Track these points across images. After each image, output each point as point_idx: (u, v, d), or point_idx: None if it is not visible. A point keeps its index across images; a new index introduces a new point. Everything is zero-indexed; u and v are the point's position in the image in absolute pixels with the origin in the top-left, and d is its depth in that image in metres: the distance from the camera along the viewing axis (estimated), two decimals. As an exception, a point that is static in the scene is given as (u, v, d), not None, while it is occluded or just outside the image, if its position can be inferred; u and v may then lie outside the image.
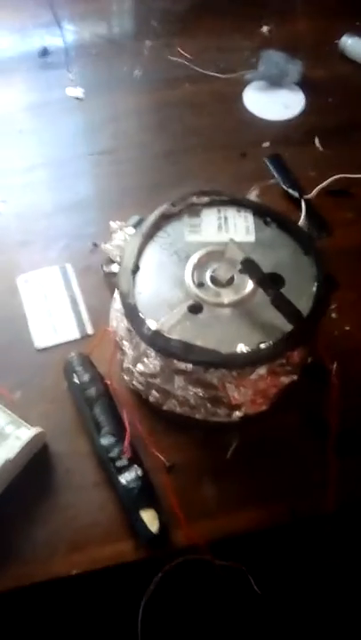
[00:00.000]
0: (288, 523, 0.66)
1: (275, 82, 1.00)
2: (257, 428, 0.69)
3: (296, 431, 0.70)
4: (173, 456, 0.68)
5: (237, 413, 0.66)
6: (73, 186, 0.90)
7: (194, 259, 0.67)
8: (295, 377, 0.66)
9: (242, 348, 0.61)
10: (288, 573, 0.68)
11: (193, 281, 0.65)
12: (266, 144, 0.94)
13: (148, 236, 0.68)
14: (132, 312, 0.63)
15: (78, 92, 0.99)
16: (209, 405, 0.65)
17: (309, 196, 0.85)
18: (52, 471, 0.68)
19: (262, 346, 0.61)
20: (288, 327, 0.62)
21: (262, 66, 1.00)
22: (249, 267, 0.61)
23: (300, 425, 0.70)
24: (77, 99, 0.99)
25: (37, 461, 0.68)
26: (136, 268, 0.66)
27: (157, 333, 0.61)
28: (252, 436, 0.69)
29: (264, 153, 0.92)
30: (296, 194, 0.84)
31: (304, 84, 1.01)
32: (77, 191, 0.90)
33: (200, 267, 0.66)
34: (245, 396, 0.65)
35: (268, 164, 0.90)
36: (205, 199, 0.70)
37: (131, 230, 0.81)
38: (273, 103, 0.98)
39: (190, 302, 0.64)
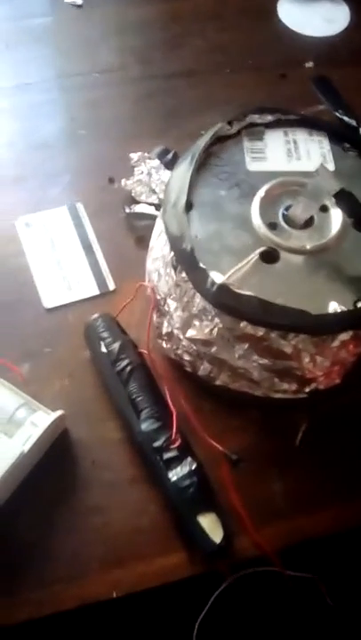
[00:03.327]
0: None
1: (314, -9, 0.84)
2: (328, 407, 0.56)
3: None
4: (229, 443, 0.53)
5: (307, 388, 0.53)
6: (74, 110, 0.74)
7: (262, 192, 0.52)
8: (378, 343, 0.53)
9: (335, 307, 0.47)
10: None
11: (262, 221, 0.51)
12: (309, 64, 0.79)
13: (200, 165, 0.53)
14: (188, 261, 0.48)
15: (78, -1, 0.82)
16: (275, 379, 0.52)
17: (368, 126, 0.70)
18: (75, 464, 0.54)
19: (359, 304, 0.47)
20: (390, 280, 0.48)
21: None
22: (347, 201, 0.47)
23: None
24: (76, 6, 0.82)
25: (56, 452, 0.54)
26: (189, 205, 0.50)
27: (225, 289, 0.47)
28: (322, 415, 0.56)
29: (307, 74, 0.77)
30: (353, 122, 0.70)
31: (349, -5, 0.86)
32: (80, 116, 0.73)
33: (270, 203, 0.52)
34: (322, 368, 0.52)
35: (314, 87, 0.75)
36: (269, 117, 0.56)
37: (155, 162, 0.66)
38: (313, 17, 0.83)
39: (263, 248, 0.49)
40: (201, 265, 0.47)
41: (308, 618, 0.56)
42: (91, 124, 0.72)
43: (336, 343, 0.50)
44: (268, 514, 0.52)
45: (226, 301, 0.47)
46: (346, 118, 0.71)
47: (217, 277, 0.47)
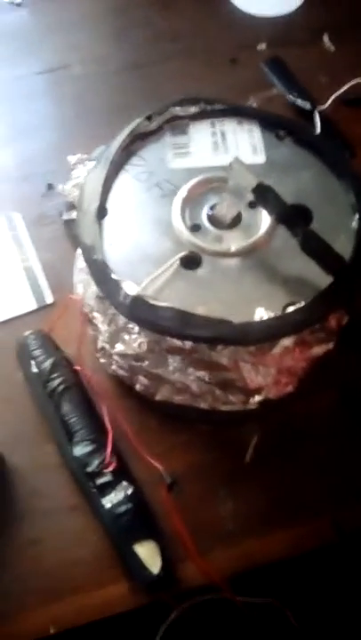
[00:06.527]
0: (332, 542, 0.49)
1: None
2: (282, 417, 0.52)
3: (334, 417, 0.53)
4: (174, 462, 0.50)
5: (256, 398, 0.49)
6: (14, 114, 0.70)
7: (183, 192, 0.48)
8: (331, 345, 0.48)
9: (262, 314, 0.43)
10: (332, 604, 0.52)
11: (185, 223, 0.47)
12: (261, 46, 0.74)
13: (117, 166, 0.49)
14: (100, 272, 0.45)
15: (15, -4, 0.78)
16: (217, 392, 0.48)
17: (323, 107, 0.66)
18: (11, 493, 0.51)
19: (291, 309, 0.43)
20: (325, 280, 0.44)
21: None
22: (265, 196, 0.43)
23: (338, 409, 0.53)
24: (14, 4, 0.78)
25: (-10, 481, 0.50)
26: (103, 211, 0.47)
27: (139, 301, 0.43)
28: (276, 427, 0.52)
29: (260, 57, 0.72)
30: (307, 105, 0.65)
31: (303, -31, 0.80)
32: (21, 120, 0.69)
33: (193, 203, 0.48)
34: (266, 377, 0.48)
35: (266, 70, 0.70)
36: (193, 109, 0.52)
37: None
38: (266, -5, 0.78)
39: (183, 253, 0.45)
40: (113, 276, 0.44)
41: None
42: (31, 128, 0.69)
43: (277, 350, 0.46)
44: (216, 538, 0.49)
45: (141, 314, 0.43)
46: (300, 101, 0.66)
47: (130, 288, 0.43)
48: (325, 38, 0.73)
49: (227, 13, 0.77)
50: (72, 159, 0.62)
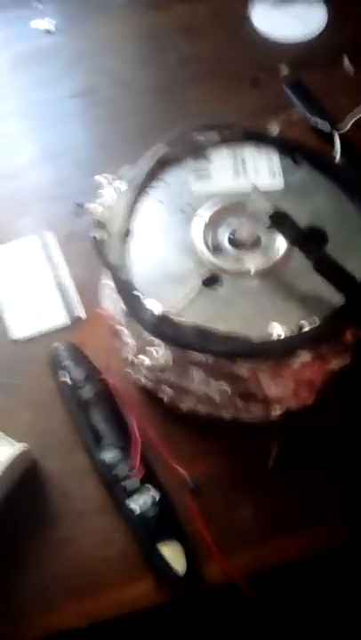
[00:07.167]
0: (347, 545, 0.51)
1: (288, -7, 0.82)
2: (302, 427, 0.55)
3: (351, 427, 0.55)
4: (198, 469, 0.53)
5: (276, 409, 0.51)
6: (46, 137, 0.74)
7: (205, 215, 0.51)
8: (347, 358, 0.51)
9: (278, 330, 0.46)
10: (352, 603, 0.54)
11: (206, 245, 0.50)
12: (283, 69, 0.76)
13: (141, 189, 0.52)
14: (126, 291, 0.48)
15: (48, 24, 0.82)
16: (239, 402, 0.51)
17: (343, 129, 0.68)
18: (43, 496, 0.54)
19: (305, 326, 0.46)
20: (338, 298, 0.46)
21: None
22: (281, 221, 0.46)
23: (355, 418, 0.56)
24: (47, 32, 0.82)
25: (25, 485, 0.54)
26: (127, 233, 0.50)
27: (164, 318, 0.46)
28: (295, 436, 0.54)
29: (282, 80, 0.75)
30: (327, 127, 0.68)
31: (324, -6, 0.83)
32: (52, 143, 0.73)
33: (214, 225, 0.51)
34: (286, 389, 0.50)
35: (288, 92, 0.73)
36: (214, 135, 0.54)
37: (123, 184, 0.66)
38: (288, 19, 0.80)
39: (205, 273, 0.48)
40: (138, 294, 0.47)
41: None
42: (61, 150, 0.72)
43: (296, 364, 0.49)
44: (237, 540, 0.51)
45: (165, 331, 0.46)
46: (320, 123, 0.69)
47: (155, 306, 0.46)
48: (346, 61, 0.76)
49: (249, 37, 0.79)
50: (101, 179, 0.66)
